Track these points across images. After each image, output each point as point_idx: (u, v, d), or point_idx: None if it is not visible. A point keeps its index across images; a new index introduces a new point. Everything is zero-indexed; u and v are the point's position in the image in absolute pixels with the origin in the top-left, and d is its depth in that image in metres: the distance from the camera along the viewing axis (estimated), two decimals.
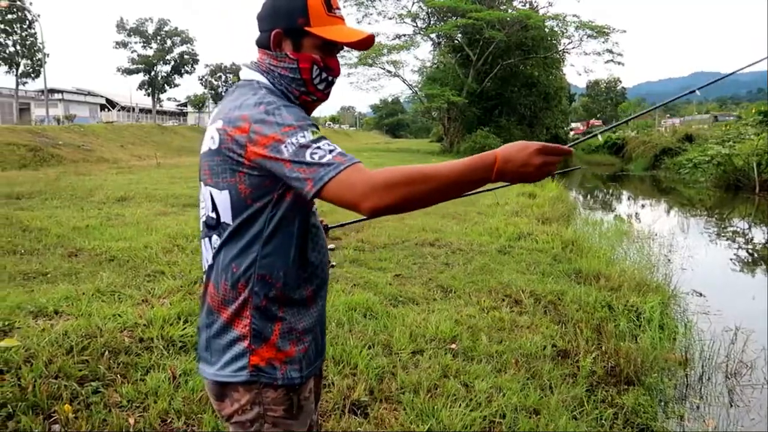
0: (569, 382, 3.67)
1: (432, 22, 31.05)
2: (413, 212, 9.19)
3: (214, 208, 1.40)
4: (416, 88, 29.71)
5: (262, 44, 1.45)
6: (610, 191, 24.54)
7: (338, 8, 1.44)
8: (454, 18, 27.59)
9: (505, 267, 6.27)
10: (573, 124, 72.93)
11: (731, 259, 10.05)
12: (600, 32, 27.32)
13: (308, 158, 1.22)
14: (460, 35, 27.40)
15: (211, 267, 1.43)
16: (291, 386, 1.39)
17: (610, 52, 28.20)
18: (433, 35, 31.16)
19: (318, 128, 1.31)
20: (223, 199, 1.38)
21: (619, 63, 28.74)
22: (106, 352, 3.14)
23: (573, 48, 29.41)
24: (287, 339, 1.39)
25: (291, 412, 1.40)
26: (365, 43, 1.45)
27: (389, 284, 5.25)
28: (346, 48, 1.52)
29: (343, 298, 4.61)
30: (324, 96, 1.48)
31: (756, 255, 10.90)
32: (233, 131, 1.31)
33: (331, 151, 1.23)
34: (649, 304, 5.33)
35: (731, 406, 4.07)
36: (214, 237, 1.42)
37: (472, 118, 28.29)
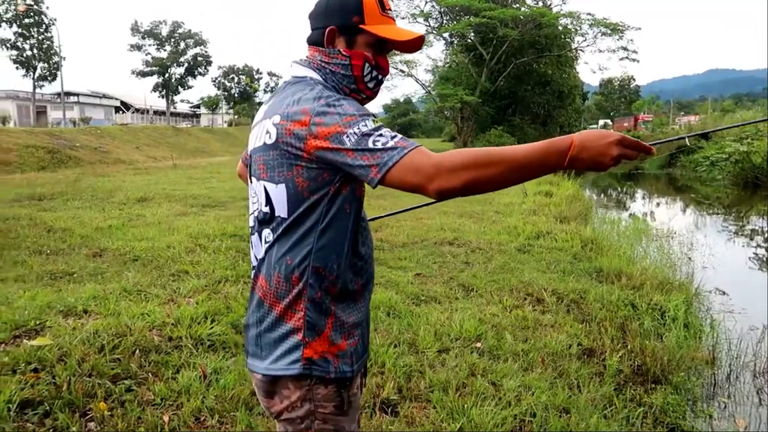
0: (596, 380, 3.65)
1: (445, 22, 30.96)
2: (431, 211, 9.25)
3: (269, 202, 1.41)
4: (429, 88, 29.65)
5: (314, 41, 1.47)
6: (626, 190, 24.35)
7: (390, 9, 1.46)
8: (467, 17, 27.48)
9: (525, 266, 6.24)
10: (599, 121, 71.81)
11: (751, 258, 9.95)
12: (614, 29, 27.09)
13: (371, 145, 1.23)
14: (473, 34, 27.31)
15: (262, 261, 1.44)
16: (341, 381, 1.40)
17: (625, 49, 28.02)
18: (445, 34, 31.10)
19: (376, 118, 1.32)
20: (278, 192, 1.39)
21: (633, 60, 28.54)
22: (137, 351, 3.17)
23: (587, 46, 29.22)
24: (339, 332, 1.40)
25: (341, 408, 1.41)
26: (416, 44, 1.47)
27: (411, 283, 5.25)
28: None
29: None
30: (373, 94, 1.49)
31: None
32: (292, 125, 1.32)
33: (393, 137, 1.24)
34: (673, 302, 5.28)
35: (761, 405, 4.03)
36: (266, 231, 1.43)
37: (485, 117, 28.20)
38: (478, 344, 3.90)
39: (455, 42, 31.58)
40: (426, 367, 3.39)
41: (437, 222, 8.32)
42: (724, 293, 6.61)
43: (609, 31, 27.12)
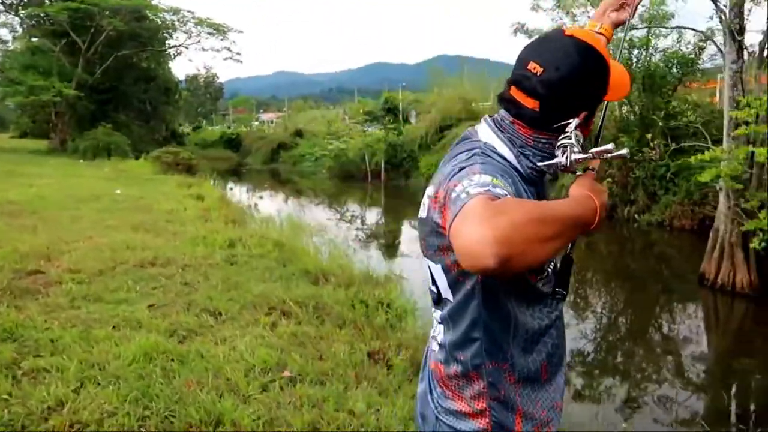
0: (396, 380, 3.91)
1: (23, 1, 26.42)
2: (98, 228, 8.02)
3: (434, 282, 1.26)
4: (9, 76, 24.76)
5: (532, 122, 1.18)
6: (238, 185, 25.30)
7: None
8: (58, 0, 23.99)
9: (245, 277, 6.10)
10: None
11: (389, 243, 11.76)
12: (218, 30, 27.72)
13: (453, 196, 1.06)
14: (65, 20, 23.91)
15: (440, 347, 1.28)
16: None
17: (229, 50, 28.92)
18: (23, 14, 26.52)
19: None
20: (438, 272, 1.23)
21: (238, 61, 29.73)
22: None
23: (192, 44, 28.99)
24: (531, 423, 1.26)
25: None
26: None
27: (153, 318, 4.57)
28: None
29: (124, 346, 3.85)
30: None
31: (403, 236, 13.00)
32: (437, 195, 1.17)
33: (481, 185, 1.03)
34: (392, 294, 5.96)
35: None
36: (438, 314, 1.29)
37: (84, 113, 25.30)
38: (287, 373, 3.72)
39: (39, 25, 27.22)
40: (276, 410, 3.10)
41: (118, 240, 7.29)
42: (404, 278, 7.69)
43: (213, 31, 27.60)
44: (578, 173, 1.14)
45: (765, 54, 7.15)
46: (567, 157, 1.10)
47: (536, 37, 1.28)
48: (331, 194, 21.84)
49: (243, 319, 4.77)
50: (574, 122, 1.13)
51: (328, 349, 4.23)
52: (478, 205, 0.92)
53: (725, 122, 7.33)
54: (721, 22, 7.02)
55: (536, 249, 0.91)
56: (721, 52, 7.11)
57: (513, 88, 1.18)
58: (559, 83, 1.13)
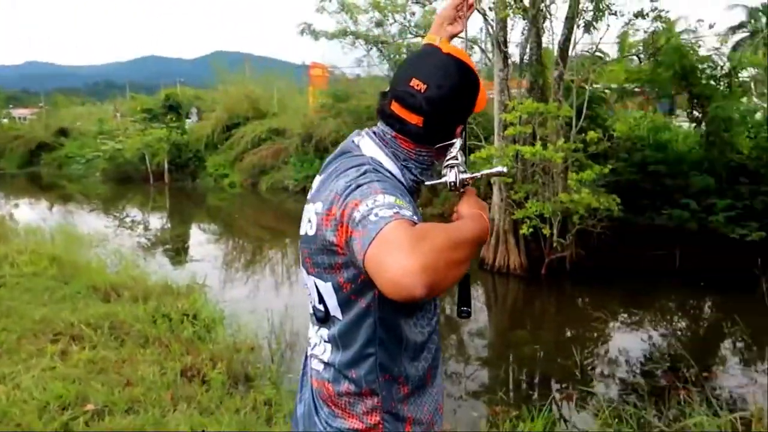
0: (217, 395, 3.74)
1: None
2: None
3: (321, 300, 1.23)
4: None
5: (415, 137, 1.21)
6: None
7: None
8: None
9: (18, 301, 5.35)
10: None
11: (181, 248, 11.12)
12: None
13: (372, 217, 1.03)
14: None
15: (326, 364, 1.25)
16: None
17: None
18: None
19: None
20: (327, 290, 1.21)
21: None
22: None
23: None
24: (420, 428, 1.28)
25: None
26: None
27: None
28: None
29: None
30: None
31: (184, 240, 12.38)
32: (329, 212, 1.17)
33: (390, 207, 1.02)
34: (198, 304, 5.67)
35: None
36: (325, 332, 1.25)
37: None
38: (90, 406, 3.33)
39: None
40: None
41: None
42: (206, 286, 7.31)
43: None
44: (461, 190, 1.20)
45: (524, 63, 8.25)
46: (456, 176, 1.15)
47: (413, 53, 1.30)
48: (108, 199, 19.92)
49: (24, 351, 4.17)
50: (458, 142, 1.18)
51: (135, 373, 3.88)
52: (397, 232, 0.92)
53: (496, 123, 8.30)
54: (489, 34, 7.95)
55: (454, 272, 0.96)
56: (490, 60, 8.04)
57: (395, 103, 1.19)
58: (441, 100, 1.17)
